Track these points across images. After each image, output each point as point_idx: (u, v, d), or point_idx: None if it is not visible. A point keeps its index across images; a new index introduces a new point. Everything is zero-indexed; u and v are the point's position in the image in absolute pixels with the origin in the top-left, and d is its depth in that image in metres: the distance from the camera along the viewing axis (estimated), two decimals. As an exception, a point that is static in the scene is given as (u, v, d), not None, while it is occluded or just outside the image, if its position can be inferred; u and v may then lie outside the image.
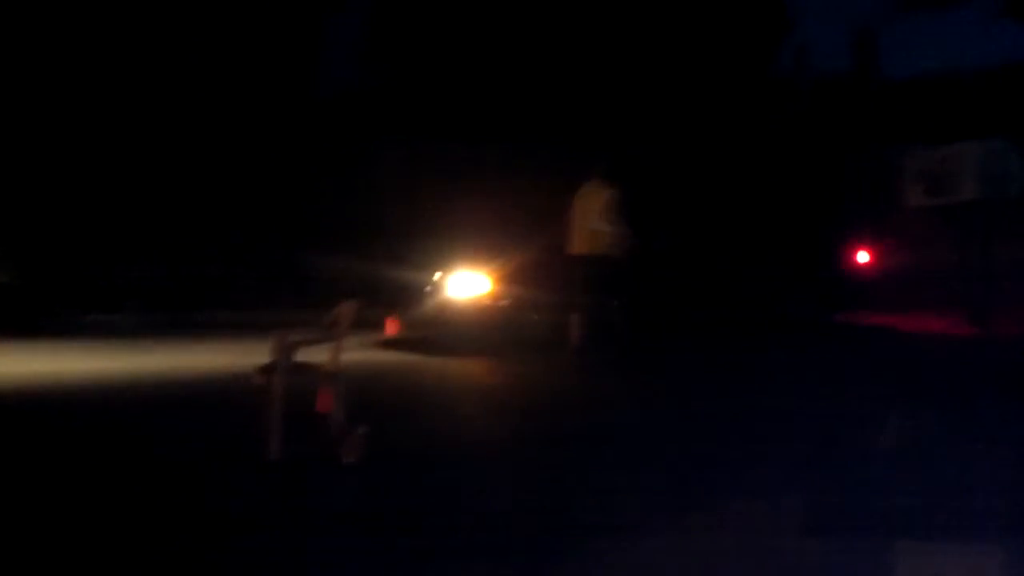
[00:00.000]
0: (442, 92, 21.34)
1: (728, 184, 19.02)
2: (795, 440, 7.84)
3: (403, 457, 7.80)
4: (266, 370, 7.66)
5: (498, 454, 7.92)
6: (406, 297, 12.53)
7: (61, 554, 5.68)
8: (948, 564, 5.24)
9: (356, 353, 13.55)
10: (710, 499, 6.41)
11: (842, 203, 20.61)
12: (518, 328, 13.84)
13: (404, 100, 21.49)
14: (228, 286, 19.63)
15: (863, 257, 15.93)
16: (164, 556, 5.59)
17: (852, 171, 22.72)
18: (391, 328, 14.66)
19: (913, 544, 5.40)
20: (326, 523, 6.18)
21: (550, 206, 14.86)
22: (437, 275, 13.10)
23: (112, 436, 8.75)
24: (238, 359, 13.29)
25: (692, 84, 22.26)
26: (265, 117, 21.53)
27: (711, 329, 14.19)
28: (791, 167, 21.54)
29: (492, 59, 21.58)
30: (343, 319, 8.00)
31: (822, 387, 10.71)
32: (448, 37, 21.93)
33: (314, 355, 7.52)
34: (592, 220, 13.25)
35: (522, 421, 9.29)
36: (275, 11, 22.22)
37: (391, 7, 22.83)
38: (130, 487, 6.97)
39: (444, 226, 15.33)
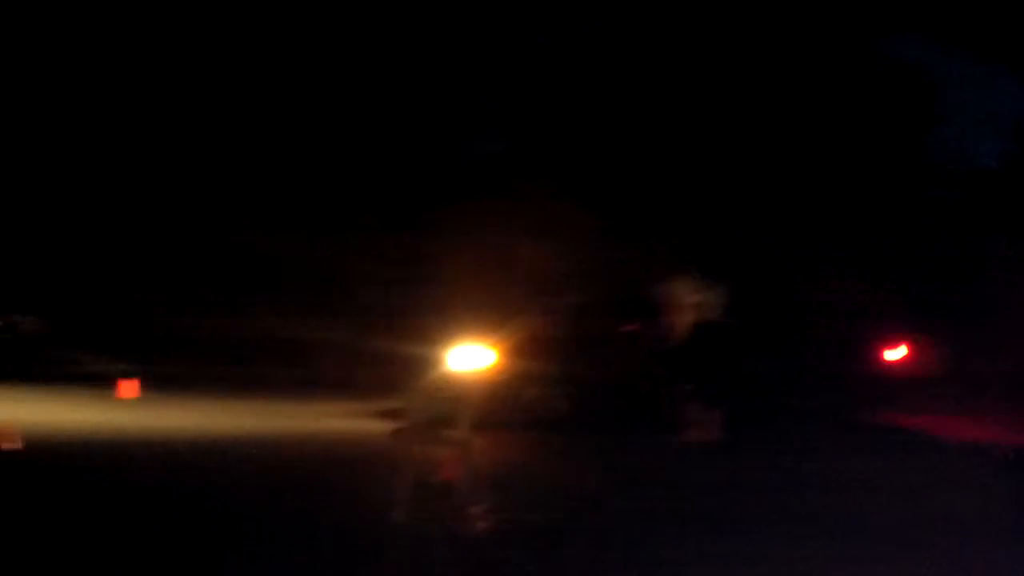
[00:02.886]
0: (576, 167, 21.78)
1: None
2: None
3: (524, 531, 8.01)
4: (399, 434, 8.03)
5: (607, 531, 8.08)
6: (412, 370, 12.69)
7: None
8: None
9: (348, 421, 13.89)
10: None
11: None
12: (517, 402, 13.92)
13: (535, 170, 21.99)
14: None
15: (898, 354, 15.54)
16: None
17: (1003, 259, 22.65)
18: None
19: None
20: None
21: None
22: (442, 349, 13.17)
23: (245, 499, 9.13)
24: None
25: (835, 167, 22.43)
26: (405, 174, 22.20)
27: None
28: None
29: (630, 141, 21.99)
30: (474, 390, 8.37)
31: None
32: (589, 114, 22.40)
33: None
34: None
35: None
36: (425, 75, 22.94)
37: (535, 85, 23.42)
38: (259, 549, 7.30)
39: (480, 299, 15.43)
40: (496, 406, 13.52)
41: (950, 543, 8.06)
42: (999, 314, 22.32)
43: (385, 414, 13.44)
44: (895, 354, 15.43)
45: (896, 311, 18.20)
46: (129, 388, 15.58)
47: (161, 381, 17.01)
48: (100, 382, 16.43)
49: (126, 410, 14.59)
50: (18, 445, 10.69)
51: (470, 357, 13.28)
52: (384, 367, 15.38)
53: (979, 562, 7.53)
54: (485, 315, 14.11)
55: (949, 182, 24.75)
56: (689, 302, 13.66)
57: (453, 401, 8.90)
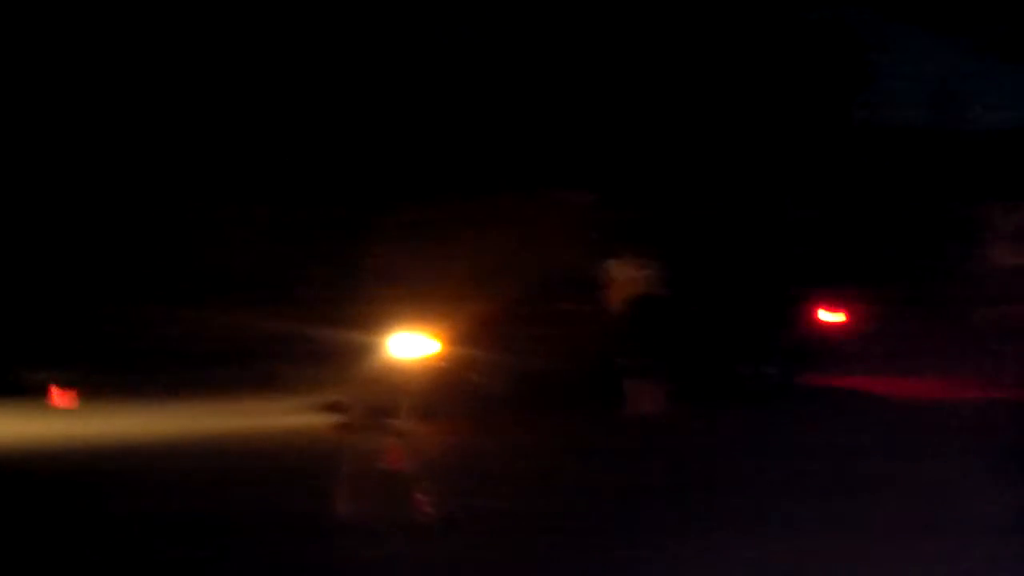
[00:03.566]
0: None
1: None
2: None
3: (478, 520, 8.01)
4: (342, 426, 8.02)
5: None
6: (350, 357, 12.66)
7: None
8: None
9: (290, 417, 13.85)
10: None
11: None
12: (460, 388, 13.91)
13: (470, 157, 21.94)
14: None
15: (835, 316, 15.78)
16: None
17: (930, 225, 22.93)
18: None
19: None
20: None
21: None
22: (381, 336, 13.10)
23: (185, 500, 9.03)
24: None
25: (764, 134, 22.59)
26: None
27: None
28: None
29: (562, 124, 21.97)
30: (417, 379, 8.35)
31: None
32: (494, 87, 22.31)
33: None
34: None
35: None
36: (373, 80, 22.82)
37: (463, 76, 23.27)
38: (204, 548, 7.26)
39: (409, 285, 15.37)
40: (439, 393, 13.50)
41: (893, 501, 8.15)
42: (933, 272, 22.61)
43: (327, 407, 13.39)
44: (832, 317, 15.59)
45: (832, 274, 18.31)
46: (65, 398, 15.44)
47: (101, 388, 16.88)
48: (35, 393, 16.27)
49: (63, 420, 14.45)
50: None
51: (410, 345, 13.26)
52: (325, 360, 15.33)
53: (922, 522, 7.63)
54: (424, 303, 14.10)
55: (878, 141, 25.06)
56: (627, 278, 13.71)
57: (395, 391, 8.89)
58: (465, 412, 13.46)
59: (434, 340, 13.46)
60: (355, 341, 13.13)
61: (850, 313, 16.07)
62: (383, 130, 23.13)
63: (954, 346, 18.68)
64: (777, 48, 23.33)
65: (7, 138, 21.64)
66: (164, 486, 9.51)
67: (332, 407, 12.98)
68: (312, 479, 9.13)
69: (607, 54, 22.41)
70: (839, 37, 24.30)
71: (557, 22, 22.64)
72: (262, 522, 7.99)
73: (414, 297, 14.59)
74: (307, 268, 21.02)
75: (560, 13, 22.75)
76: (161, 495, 9.12)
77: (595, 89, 22.22)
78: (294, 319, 17.66)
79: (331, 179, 22.12)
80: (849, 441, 11.20)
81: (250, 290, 20.98)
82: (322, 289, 19.04)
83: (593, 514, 8.09)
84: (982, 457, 9.66)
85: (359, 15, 22.37)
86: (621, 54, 22.43)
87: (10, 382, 17.66)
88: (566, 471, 10.03)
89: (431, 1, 22.88)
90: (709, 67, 22.67)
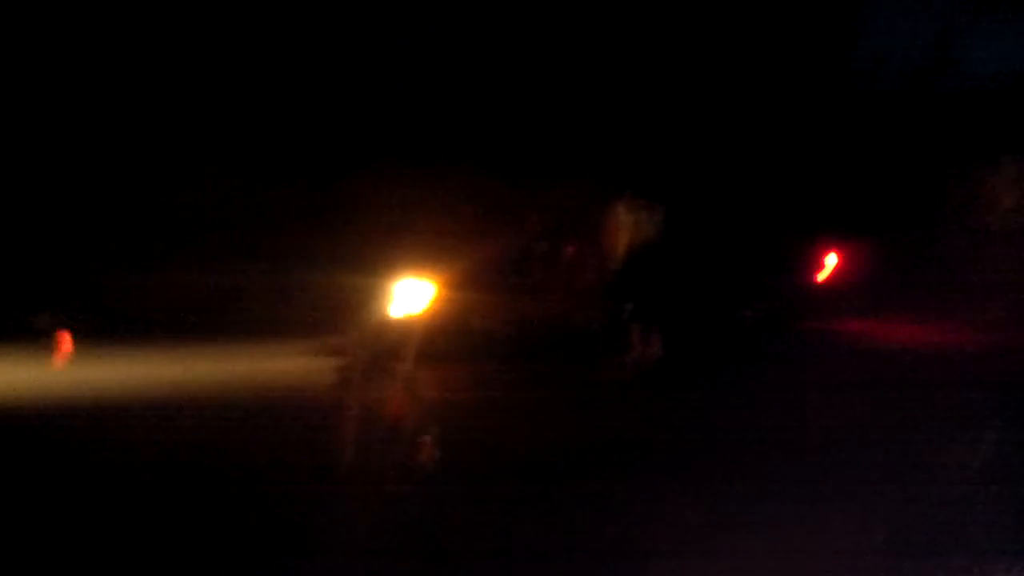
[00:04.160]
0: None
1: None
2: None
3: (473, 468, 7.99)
4: (344, 370, 7.97)
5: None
6: (352, 302, 12.63)
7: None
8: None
9: (290, 361, 13.74)
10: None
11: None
12: (462, 334, 13.90)
13: (467, 98, 21.76)
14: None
15: (829, 261, 15.85)
16: (237, 569, 5.89)
17: (929, 183, 22.91)
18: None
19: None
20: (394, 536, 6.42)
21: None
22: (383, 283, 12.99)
23: (187, 450, 8.94)
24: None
25: (756, 90, 22.46)
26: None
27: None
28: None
29: (558, 65, 21.80)
30: (418, 324, 8.31)
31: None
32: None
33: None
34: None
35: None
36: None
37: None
38: (208, 501, 7.23)
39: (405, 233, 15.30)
40: (441, 339, 13.45)
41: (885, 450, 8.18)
42: (929, 224, 22.60)
43: (329, 351, 13.36)
44: (829, 262, 15.63)
45: (827, 221, 18.35)
46: (65, 344, 15.35)
47: (102, 336, 16.83)
48: (39, 339, 16.19)
49: (63, 367, 14.37)
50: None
51: (413, 291, 13.24)
52: (327, 304, 15.29)
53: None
54: (427, 248, 14.06)
55: (870, 100, 24.99)
56: (631, 222, 13.67)
57: (398, 336, 8.82)
58: (469, 358, 13.44)
59: (438, 285, 13.40)
60: (358, 286, 13.07)
61: (847, 259, 16.09)
62: (390, 80, 23.06)
63: (944, 294, 18.75)
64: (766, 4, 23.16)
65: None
66: (163, 432, 9.47)
67: (334, 351, 12.96)
68: (313, 424, 9.11)
69: (594, 14, 22.26)
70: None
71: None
72: (263, 468, 7.96)
73: (418, 242, 14.55)
74: (311, 213, 21.01)
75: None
76: (160, 442, 9.09)
77: (590, 51, 22.10)
78: (297, 264, 17.63)
79: (338, 126, 22.08)
80: (842, 386, 11.20)
81: (253, 235, 20.96)
82: (326, 233, 19.01)
83: (589, 465, 8.08)
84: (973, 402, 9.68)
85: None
86: (607, 13, 22.29)
87: (13, 327, 17.59)
88: (565, 422, 10.00)
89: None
90: (698, 24, 22.53)
